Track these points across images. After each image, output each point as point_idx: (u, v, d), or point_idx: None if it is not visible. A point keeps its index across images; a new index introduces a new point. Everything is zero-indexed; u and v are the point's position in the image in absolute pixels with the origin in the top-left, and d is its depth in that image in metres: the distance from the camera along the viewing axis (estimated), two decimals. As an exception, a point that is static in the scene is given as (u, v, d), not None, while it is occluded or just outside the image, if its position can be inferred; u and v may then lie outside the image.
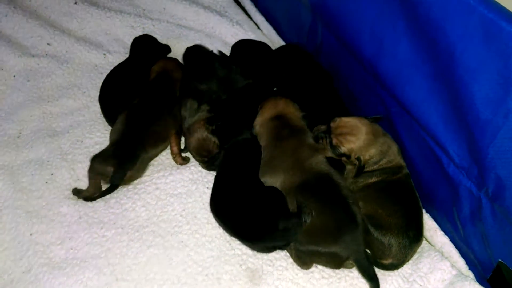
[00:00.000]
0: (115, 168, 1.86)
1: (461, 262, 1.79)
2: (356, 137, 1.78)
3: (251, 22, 2.83)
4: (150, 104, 2.06)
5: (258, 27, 2.79)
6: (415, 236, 1.72)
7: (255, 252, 1.80)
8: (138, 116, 2.01)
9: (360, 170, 1.79)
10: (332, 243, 1.62)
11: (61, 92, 2.37)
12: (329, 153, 1.82)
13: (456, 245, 1.83)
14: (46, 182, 2.00)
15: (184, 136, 2.09)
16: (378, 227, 1.70)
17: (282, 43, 2.61)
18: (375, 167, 1.80)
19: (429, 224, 1.87)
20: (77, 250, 1.80)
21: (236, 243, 1.83)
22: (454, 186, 1.70)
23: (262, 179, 1.81)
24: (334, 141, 1.80)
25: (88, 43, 2.61)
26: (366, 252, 1.66)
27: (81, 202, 1.94)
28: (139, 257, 1.79)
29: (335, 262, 1.67)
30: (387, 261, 1.72)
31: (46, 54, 2.54)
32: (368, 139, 1.78)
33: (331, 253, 1.63)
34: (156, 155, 2.09)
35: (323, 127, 1.85)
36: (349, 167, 1.85)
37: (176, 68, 2.23)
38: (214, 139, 1.99)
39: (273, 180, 1.77)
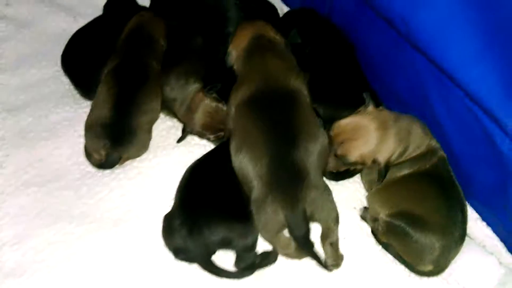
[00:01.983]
0: (108, 151, 1.68)
1: (510, 258, 1.57)
2: (363, 140, 1.53)
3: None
4: (135, 62, 1.81)
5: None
6: (460, 236, 1.49)
7: (258, 275, 1.52)
8: (126, 81, 1.75)
9: (383, 173, 1.54)
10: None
11: (22, 60, 2.13)
12: (342, 167, 1.62)
13: (501, 238, 1.59)
14: (1, 166, 1.73)
15: (182, 120, 1.84)
16: (417, 228, 1.46)
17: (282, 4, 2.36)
18: (402, 159, 1.56)
19: (469, 214, 1.59)
20: (37, 251, 1.54)
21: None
22: (508, 167, 1.41)
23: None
24: (339, 151, 1.55)
25: (55, 5, 2.36)
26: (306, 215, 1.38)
27: (44, 190, 1.68)
28: (117, 258, 1.54)
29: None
30: (426, 268, 1.50)
31: (5, 16, 2.28)
32: (379, 136, 1.52)
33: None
34: (153, 117, 1.82)
35: None
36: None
37: (154, 18, 1.99)
38: (223, 106, 1.75)
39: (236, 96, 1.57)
